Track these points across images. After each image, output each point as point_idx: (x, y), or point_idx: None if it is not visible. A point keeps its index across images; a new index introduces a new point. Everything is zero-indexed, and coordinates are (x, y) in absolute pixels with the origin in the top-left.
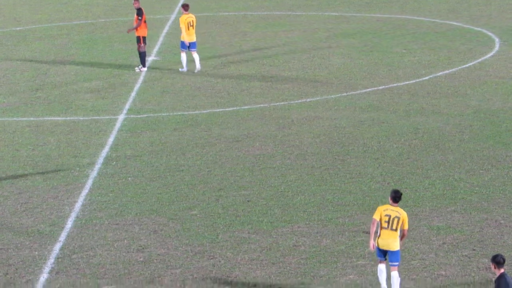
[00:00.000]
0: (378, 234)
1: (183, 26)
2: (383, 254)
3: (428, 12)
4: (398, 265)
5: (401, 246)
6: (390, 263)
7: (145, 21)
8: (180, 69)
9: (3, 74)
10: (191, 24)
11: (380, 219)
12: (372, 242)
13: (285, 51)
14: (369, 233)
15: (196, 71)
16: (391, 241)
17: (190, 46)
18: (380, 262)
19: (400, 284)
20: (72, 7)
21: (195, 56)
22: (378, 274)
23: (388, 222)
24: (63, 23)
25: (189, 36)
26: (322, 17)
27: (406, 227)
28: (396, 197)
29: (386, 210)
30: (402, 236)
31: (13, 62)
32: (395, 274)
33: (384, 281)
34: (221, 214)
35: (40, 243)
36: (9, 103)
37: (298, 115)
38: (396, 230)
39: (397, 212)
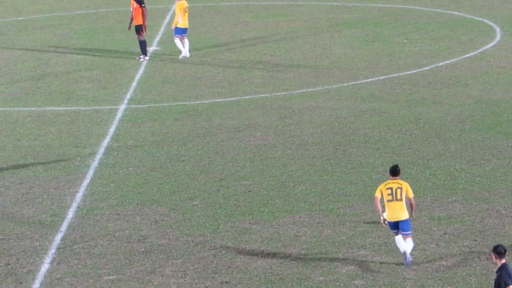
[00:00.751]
0: (386, 208)
1: (179, 12)
2: (396, 226)
3: (430, 1)
4: (410, 234)
5: (412, 216)
6: (402, 233)
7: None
8: (180, 57)
9: (4, 64)
10: (186, 10)
11: (382, 194)
12: (382, 218)
13: (287, 41)
14: (370, 223)
15: (182, 56)
16: (399, 212)
17: (183, 32)
18: (396, 234)
19: (412, 249)
20: None
21: (186, 41)
22: (397, 244)
23: (392, 194)
24: (64, 13)
25: (184, 22)
26: (323, 7)
27: (411, 195)
28: (394, 170)
29: (387, 184)
30: (410, 206)
31: (14, 51)
32: (409, 240)
33: (404, 246)
34: (222, 204)
35: (41, 233)
36: (10, 93)
37: (299, 105)
38: (401, 200)
39: (399, 183)
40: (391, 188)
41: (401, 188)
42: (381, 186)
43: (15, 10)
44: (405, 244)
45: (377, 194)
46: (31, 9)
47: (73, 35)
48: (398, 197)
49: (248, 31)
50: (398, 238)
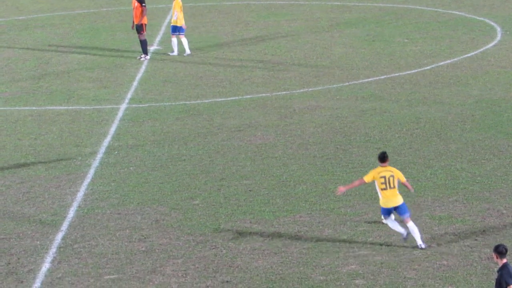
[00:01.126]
0: (380, 196)
1: (179, 11)
2: (389, 212)
3: (431, 1)
4: (410, 216)
5: (411, 188)
6: (402, 217)
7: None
8: (170, 53)
9: (5, 63)
10: (181, 8)
11: (376, 182)
12: (344, 189)
13: (287, 41)
14: (371, 223)
15: (186, 54)
16: (394, 199)
17: (180, 30)
18: (385, 218)
19: (419, 230)
20: None
21: (185, 40)
22: (391, 226)
23: (385, 183)
24: (65, 12)
25: (180, 20)
26: (324, 6)
27: (403, 179)
28: (383, 157)
29: (380, 173)
30: (407, 186)
31: (15, 51)
32: (411, 225)
33: (399, 226)
34: (223, 203)
35: (42, 233)
36: (11, 92)
37: (300, 105)
38: (394, 187)
39: (390, 171)
40: (384, 177)
41: (393, 176)
42: (374, 173)
43: (16, 9)
44: (397, 223)
45: (366, 179)
46: (32, 8)
47: (74, 35)
48: (392, 185)
49: (249, 31)
50: (391, 221)
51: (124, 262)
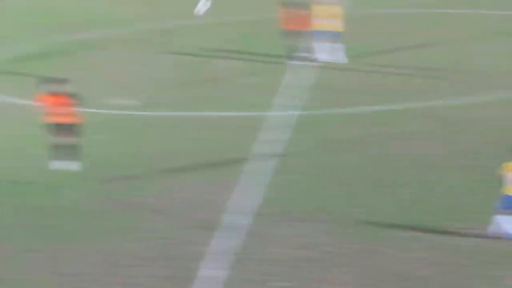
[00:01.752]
0: None
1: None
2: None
3: None
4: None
5: None
6: None
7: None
8: (336, 60)
9: (158, 68)
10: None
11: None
12: None
13: (451, 50)
14: None
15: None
16: None
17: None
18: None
19: None
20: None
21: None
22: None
23: None
24: (219, 19)
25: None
26: (490, 15)
27: None
28: None
29: None
30: None
31: (168, 56)
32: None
33: None
34: (386, 212)
35: (206, 238)
36: (170, 99)
37: (464, 115)
38: None
39: None
40: None
41: None
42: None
43: (171, 14)
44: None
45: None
46: (186, 13)
47: (226, 41)
48: None
49: (409, 39)
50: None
51: (292, 270)
